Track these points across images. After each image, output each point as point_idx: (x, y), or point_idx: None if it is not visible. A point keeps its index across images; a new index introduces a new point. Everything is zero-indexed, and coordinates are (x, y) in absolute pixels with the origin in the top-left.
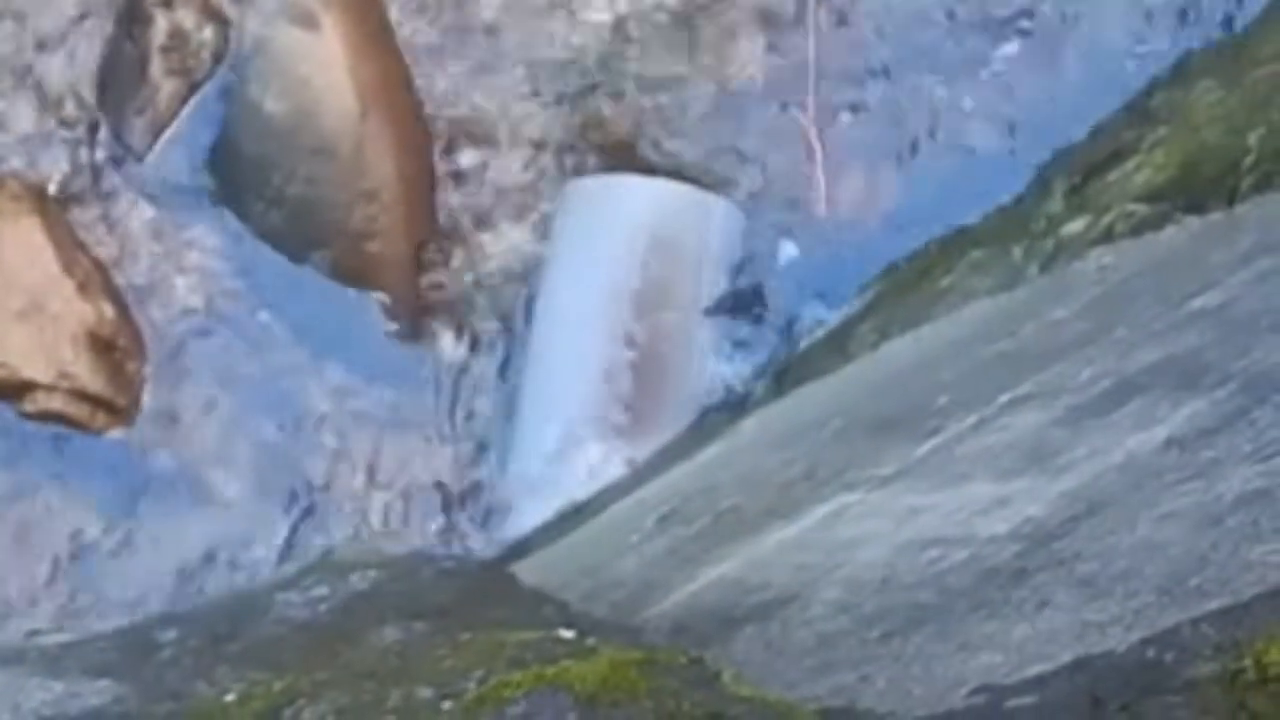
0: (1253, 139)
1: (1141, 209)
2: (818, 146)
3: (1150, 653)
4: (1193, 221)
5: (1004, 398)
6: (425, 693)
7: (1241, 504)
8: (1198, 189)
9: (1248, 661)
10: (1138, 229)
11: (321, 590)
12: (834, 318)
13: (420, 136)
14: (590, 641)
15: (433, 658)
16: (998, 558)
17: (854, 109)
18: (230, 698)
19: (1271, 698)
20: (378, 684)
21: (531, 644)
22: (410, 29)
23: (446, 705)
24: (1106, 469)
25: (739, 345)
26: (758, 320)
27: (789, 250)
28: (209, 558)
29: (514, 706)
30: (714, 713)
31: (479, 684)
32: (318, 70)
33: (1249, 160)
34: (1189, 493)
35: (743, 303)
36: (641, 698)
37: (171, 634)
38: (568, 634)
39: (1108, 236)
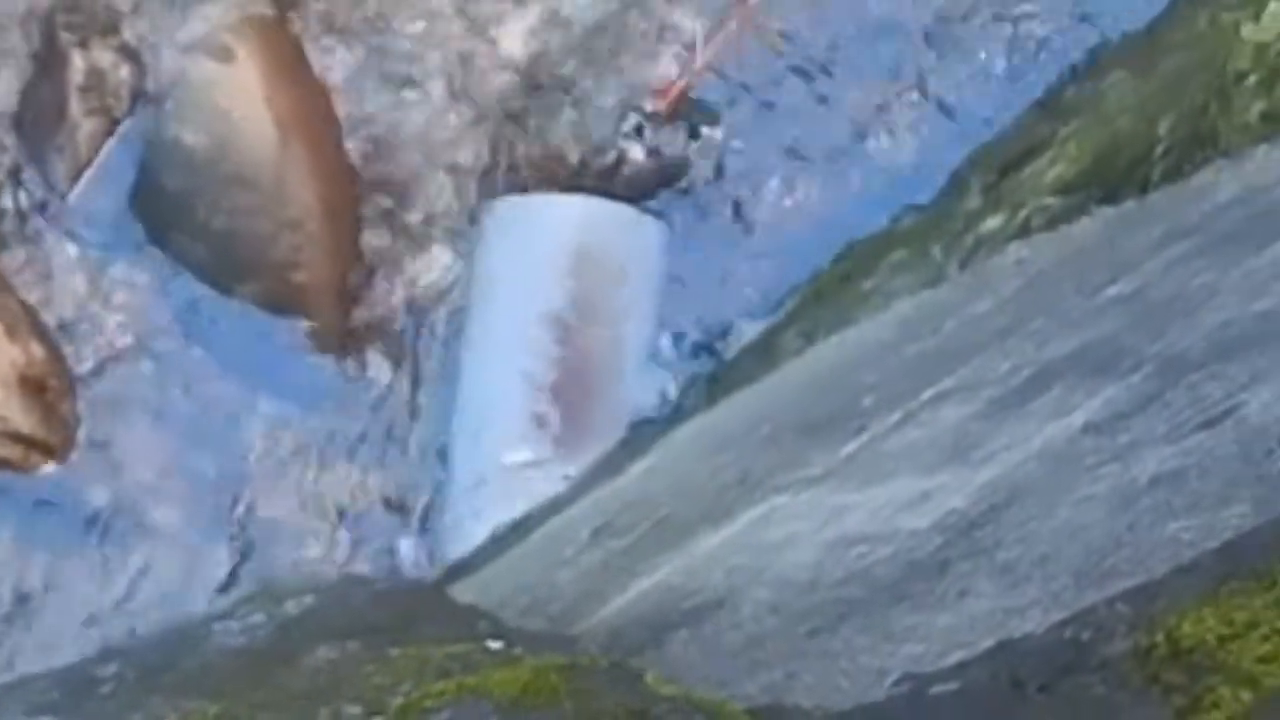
0: (1163, 127)
1: (1057, 202)
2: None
3: (1067, 633)
4: (1107, 211)
5: (927, 394)
6: (354, 710)
7: (1156, 484)
8: (1111, 179)
9: (1160, 636)
10: (1053, 222)
11: (258, 618)
12: (760, 325)
13: (342, 163)
14: (517, 651)
15: (362, 675)
16: (921, 550)
17: (771, 113)
18: None
19: (1184, 670)
20: (309, 703)
21: (458, 656)
22: (328, 56)
23: None
24: (1026, 458)
25: (667, 357)
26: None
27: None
28: (148, 591)
29: (436, 716)
30: (636, 711)
31: (405, 697)
32: (235, 102)
33: (1160, 149)
34: (1105, 476)
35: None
36: (563, 701)
37: (111, 668)
38: (495, 645)
39: (1025, 231)
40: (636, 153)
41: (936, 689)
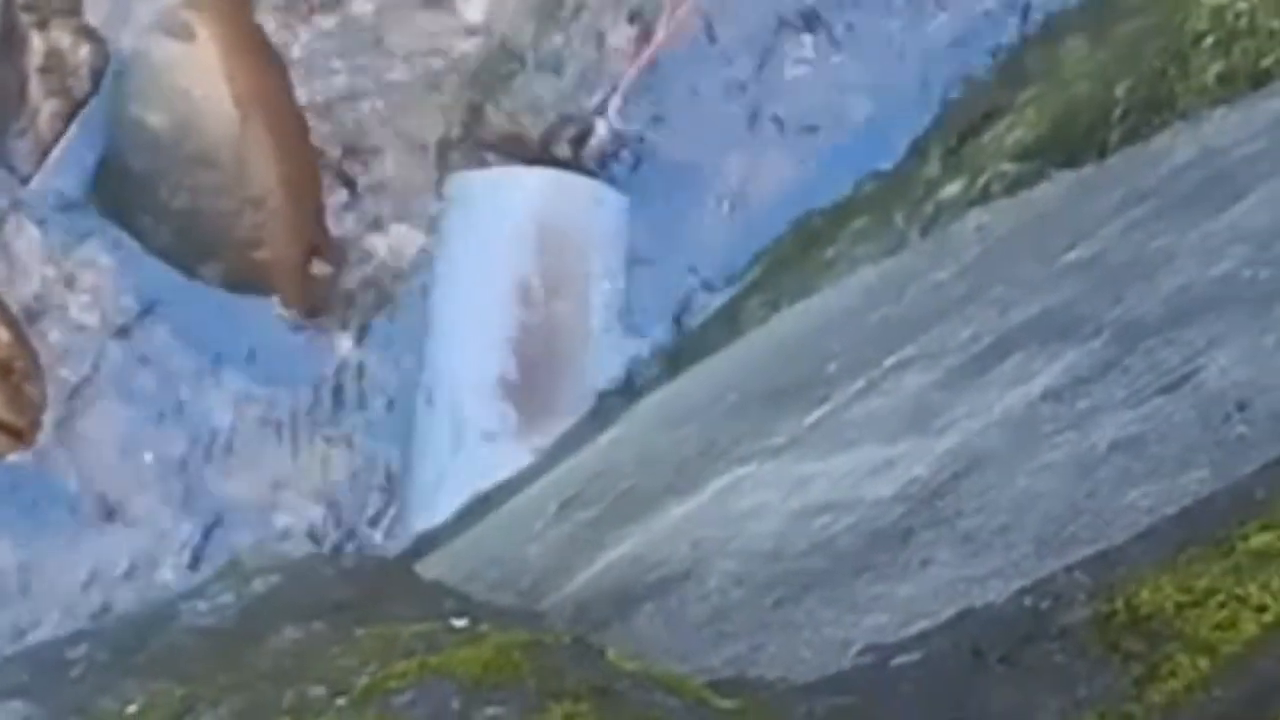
0: (1120, 91)
1: (1016, 167)
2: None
3: (1028, 602)
4: (1066, 176)
5: (889, 361)
6: (318, 690)
7: (1115, 450)
8: (1070, 144)
9: (1119, 604)
10: (1013, 187)
11: (227, 597)
12: (724, 295)
13: (303, 140)
14: (483, 628)
15: (327, 655)
16: (884, 520)
17: (729, 83)
18: (132, 709)
19: (1143, 638)
20: (274, 685)
21: (423, 635)
22: (289, 34)
23: (339, 701)
24: (986, 425)
25: (633, 328)
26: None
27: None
28: (116, 573)
29: (400, 696)
30: (599, 688)
31: (370, 678)
32: (196, 81)
33: (1118, 112)
34: (1065, 443)
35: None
36: (525, 678)
37: (82, 650)
38: (460, 623)
39: (985, 196)
40: (602, 126)
41: (899, 659)
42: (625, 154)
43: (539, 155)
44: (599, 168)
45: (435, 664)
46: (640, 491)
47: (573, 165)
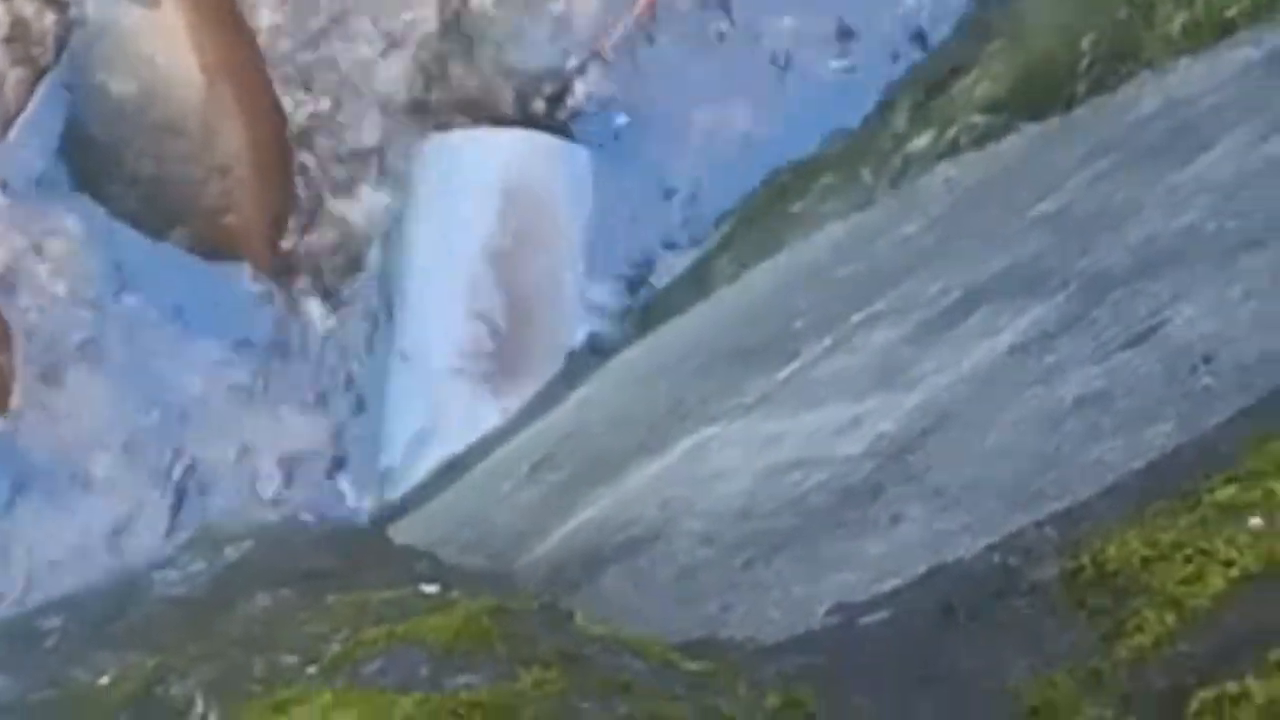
0: (1085, 44)
1: (983, 120)
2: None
3: (996, 558)
4: (1032, 129)
5: (857, 317)
6: (290, 659)
7: (1082, 405)
8: (1036, 96)
9: (1086, 560)
10: (980, 140)
11: (199, 565)
12: (693, 253)
13: (270, 106)
14: (453, 595)
15: (298, 622)
16: (854, 476)
17: (697, 43)
18: (105, 680)
19: (1110, 593)
20: (245, 653)
21: (394, 601)
22: None
23: (310, 669)
24: (955, 380)
25: (603, 287)
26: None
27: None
28: (91, 543)
29: (370, 665)
30: (566, 653)
31: (341, 645)
32: (161, 48)
33: (1083, 65)
34: (1032, 398)
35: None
36: (495, 645)
37: (56, 621)
38: (430, 589)
39: (953, 149)
40: (579, 88)
41: (867, 618)
42: (596, 112)
43: (507, 116)
44: (571, 127)
45: (404, 632)
46: (610, 452)
47: (542, 125)
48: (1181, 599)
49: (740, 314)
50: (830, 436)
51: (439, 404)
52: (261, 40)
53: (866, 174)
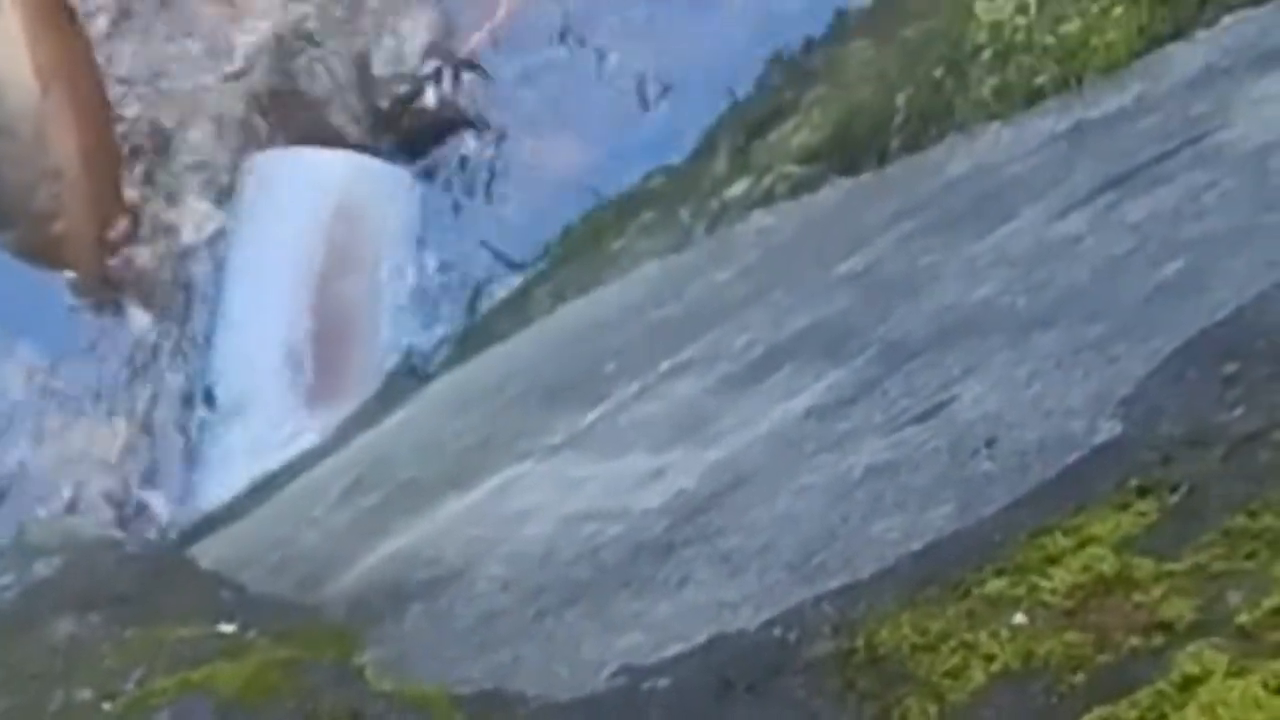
0: (901, 98)
1: (799, 170)
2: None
3: (776, 632)
4: (845, 182)
5: (665, 364)
6: (85, 694)
7: (870, 476)
8: (851, 149)
9: (860, 641)
10: (795, 190)
11: (7, 578)
12: (513, 282)
13: (104, 113)
14: (250, 635)
15: (96, 656)
16: (650, 532)
17: (527, 74)
18: None
19: (879, 678)
20: (44, 685)
21: (190, 640)
22: (92, 5)
23: (105, 706)
24: (753, 439)
25: (423, 311)
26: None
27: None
28: None
29: (160, 713)
30: (354, 711)
31: (137, 684)
32: None
33: (898, 120)
34: (824, 465)
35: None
36: (284, 699)
37: None
38: (228, 628)
39: (768, 198)
40: (430, 97)
41: (650, 684)
42: (447, 130)
43: (346, 131)
44: (414, 144)
45: (197, 680)
46: (420, 481)
47: (387, 139)
48: (944, 691)
49: (555, 349)
50: (631, 487)
51: (254, 421)
52: (97, 47)
53: (685, 214)
